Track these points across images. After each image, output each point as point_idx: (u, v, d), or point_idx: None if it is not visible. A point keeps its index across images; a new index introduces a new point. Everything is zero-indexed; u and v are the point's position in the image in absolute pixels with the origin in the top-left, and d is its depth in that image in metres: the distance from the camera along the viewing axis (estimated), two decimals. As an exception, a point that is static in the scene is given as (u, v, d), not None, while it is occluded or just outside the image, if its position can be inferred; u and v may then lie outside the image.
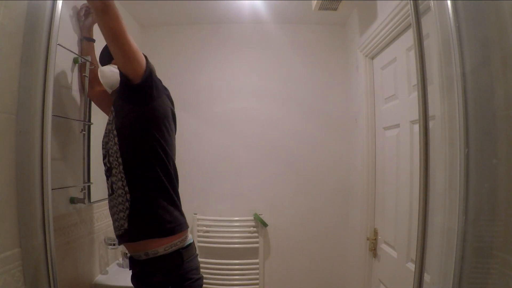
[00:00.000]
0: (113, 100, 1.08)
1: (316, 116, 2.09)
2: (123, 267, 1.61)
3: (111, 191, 1.00)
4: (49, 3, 0.87)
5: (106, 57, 1.18)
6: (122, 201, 0.96)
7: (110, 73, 1.11)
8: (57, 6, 0.87)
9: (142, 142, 0.97)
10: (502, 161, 0.73)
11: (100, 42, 1.42)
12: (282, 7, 1.88)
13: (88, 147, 1.40)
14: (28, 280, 0.85)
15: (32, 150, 0.84)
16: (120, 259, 1.66)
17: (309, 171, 2.08)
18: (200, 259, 2.04)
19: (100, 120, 1.52)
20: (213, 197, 2.09)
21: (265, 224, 2.03)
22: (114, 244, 1.55)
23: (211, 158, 2.10)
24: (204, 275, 2.05)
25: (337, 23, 2.08)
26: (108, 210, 1.61)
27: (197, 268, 1.03)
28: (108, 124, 1.04)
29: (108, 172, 1.01)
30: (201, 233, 2.05)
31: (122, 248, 1.70)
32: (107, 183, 1.03)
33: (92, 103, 1.43)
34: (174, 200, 1.02)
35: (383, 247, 1.56)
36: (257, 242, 2.02)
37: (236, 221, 2.05)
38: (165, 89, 1.11)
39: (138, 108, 0.96)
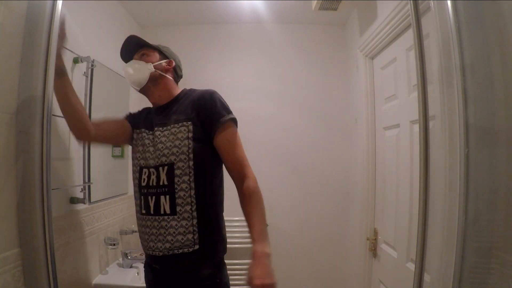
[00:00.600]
0: (151, 99, 1.14)
1: (316, 116, 2.09)
2: (123, 267, 1.61)
3: (170, 211, 0.99)
4: (49, 3, 0.87)
5: (129, 52, 1.12)
6: (186, 224, 0.99)
7: (135, 71, 1.08)
8: (57, 6, 0.87)
9: (218, 171, 1.08)
10: (502, 161, 0.73)
11: (94, 31, 1.42)
12: (282, 7, 1.88)
13: (88, 147, 1.40)
14: (28, 280, 0.85)
15: (32, 150, 0.84)
16: (120, 259, 1.66)
17: (309, 171, 2.08)
18: (200, 259, 2.03)
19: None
20: (213, 197, 2.08)
21: (265, 224, 2.03)
22: (114, 244, 1.55)
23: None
24: (204, 275, 2.04)
25: (337, 23, 2.08)
26: (107, 210, 1.62)
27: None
28: (171, 134, 1.02)
29: (164, 189, 0.99)
30: (201, 233, 2.04)
31: (122, 248, 1.70)
32: (157, 200, 1.00)
33: (92, 103, 1.43)
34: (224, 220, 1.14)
35: (383, 247, 1.56)
36: (257, 242, 2.02)
37: (236, 221, 2.05)
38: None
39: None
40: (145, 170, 1.04)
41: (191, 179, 0.99)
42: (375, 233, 1.67)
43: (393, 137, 1.47)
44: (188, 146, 1.00)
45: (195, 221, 0.99)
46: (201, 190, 1.00)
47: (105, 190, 1.60)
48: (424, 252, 0.78)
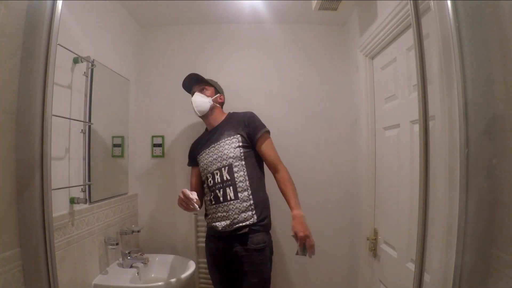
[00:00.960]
0: (206, 123, 1.67)
1: (316, 116, 2.09)
2: (123, 267, 1.61)
3: (234, 197, 1.44)
4: (49, 3, 0.87)
5: (190, 84, 1.67)
6: (246, 205, 1.44)
7: (201, 102, 1.58)
8: (57, 6, 0.87)
9: (258, 166, 1.55)
10: (502, 161, 0.73)
11: (94, 31, 1.41)
12: (282, 7, 1.88)
13: (88, 147, 1.40)
14: (28, 280, 0.85)
15: (32, 150, 0.84)
16: (120, 259, 1.66)
17: (308, 171, 2.08)
18: (200, 259, 2.05)
19: (100, 120, 1.52)
20: (213, 197, 2.08)
21: (265, 224, 2.03)
22: (114, 244, 1.55)
23: (211, 158, 2.09)
24: (204, 275, 2.05)
25: (337, 23, 2.08)
26: (107, 210, 1.62)
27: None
28: (229, 149, 1.49)
29: (228, 183, 1.45)
30: (201, 233, 2.04)
31: (122, 248, 1.70)
32: (223, 192, 1.46)
33: (92, 103, 1.43)
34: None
35: (383, 247, 1.56)
36: (257, 242, 2.02)
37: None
38: None
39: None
40: (209, 174, 1.51)
41: (245, 174, 1.46)
42: (375, 233, 1.67)
43: (393, 137, 1.47)
44: (240, 151, 1.48)
45: (251, 201, 1.45)
46: (253, 180, 1.47)
47: (105, 190, 1.60)
48: (424, 252, 0.78)
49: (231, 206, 1.43)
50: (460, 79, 0.79)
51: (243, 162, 1.47)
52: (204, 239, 2.03)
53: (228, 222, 1.42)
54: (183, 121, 2.08)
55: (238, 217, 1.41)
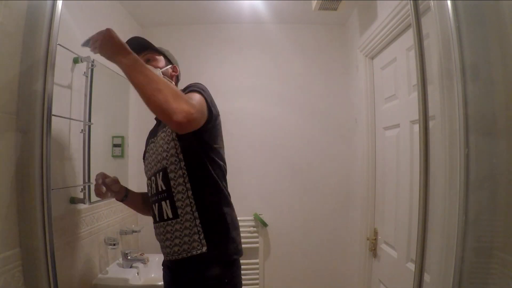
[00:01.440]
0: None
1: (316, 116, 2.09)
2: (123, 267, 1.61)
3: (172, 215, 0.98)
4: (49, 3, 0.87)
5: None
6: (190, 226, 0.97)
7: None
8: (57, 6, 0.87)
9: (212, 167, 0.99)
10: (502, 161, 0.73)
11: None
12: (282, 7, 1.88)
13: (88, 147, 1.40)
14: (28, 280, 0.85)
15: (32, 150, 0.84)
16: (120, 259, 1.66)
17: (309, 171, 2.08)
18: (200, 259, 2.03)
19: (100, 120, 1.52)
20: (213, 197, 2.08)
21: (265, 224, 2.03)
22: (114, 244, 1.55)
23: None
24: (204, 275, 2.04)
25: (337, 23, 2.08)
26: (107, 210, 1.62)
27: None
28: (160, 139, 1.01)
29: (164, 195, 1.00)
30: (201, 233, 2.05)
31: (122, 248, 1.70)
32: (159, 206, 1.01)
33: (92, 103, 1.43)
34: (237, 221, 1.07)
35: (383, 247, 1.56)
36: (257, 242, 2.02)
37: (238, 221, 2.05)
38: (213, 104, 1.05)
39: (206, 133, 0.97)
40: (148, 181, 1.08)
41: (185, 180, 0.97)
42: (375, 233, 1.67)
43: (393, 137, 1.47)
44: (175, 147, 0.98)
45: (197, 221, 0.97)
46: (198, 189, 0.98)
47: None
48: (424, 252, 0.78)
49: (168, 228, 1.00)
50: (460, 79, 0.79)
51: (182, 163, 0.97)
52: (204, 239, 2.03)
53: (167, 250, 1.01)
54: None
55: (179, 243, 0.98)
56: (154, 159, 1.04)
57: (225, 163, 1.06)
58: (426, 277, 0.83)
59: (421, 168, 0.79)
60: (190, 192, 0.97)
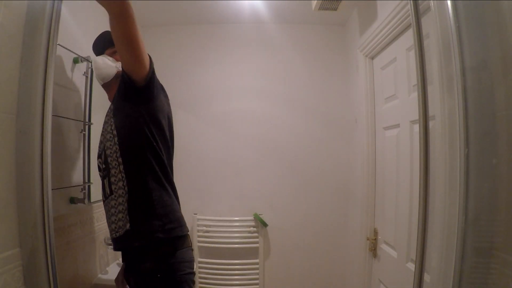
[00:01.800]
0: (109, 96, 1.11)
1: (316, 116, 2.09)
2: (123, 267, 1.60)
3: (109, 192, 0.99)
4: (49, 3, 0.87)
5: (100, 47, 1.16)
6: (122, 201, 0.95)
7: (103, 65, 1.10)
8: (57, 6, 0.87)
9: (142, 142, 0.97)
10: (502, 161, 0.73)
11: (94, 31, 1.39)
12: (282, 7, 1.88)
13: (88, 147, 1.40)
14: (28, 280, 0.85)
15: (32, 150, 0.84)
16: (120, 259, 1.66)
17: (309, 171, 2.08)
18: (200, 259, 2.04)
19: (100, 120, 1.52)
20: (213, 197, 2.09)
21: (265, 224, 2.03)
22: (114, 244, 1.55)
23: (211, 158, 2.10)
24: (204, 275, 2.05)
25: (337, 23, 2.08)
26: (108, 210, 1.62)
27: (190, 262, 1.02)
28: (105, 123, 1.03)
29: (105, 172, 1.01)
30: (201, 233, 2.05)
31: (122, 248, 1.70)
32: (103, 183, 1.02)
33: (92, 103, 1.43)
34: (174, 200, 1.03)
35: (383, 247, 1.56)
36: (257, 242, 2.02)
37: (236, 221, 2.05)
38: (162, 87, 1.11)
39: (140, 108, 0.97)
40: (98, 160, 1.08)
41: (117, 154, 0.96)
42: (375, 233, 1.67)
43: (393, 137, 1.47)
44: (110, 123, 1.00)
45: (127, 196, 0.95)
46: (130, 163, 0.96)
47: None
48: (424, 252, 0.78)
49: (108, 205, 1.00)
50: (460, 79, 0.79)
51: (116, 139, 0.97)
52: (204, 239, 2.04)
53: (109, 228, 1.01)
54: (183, 121, 2.08)
55: (115, 220, 0.97)
56: (101, 139, 1.05)
57: (167, 142, 1.04)
58: (426, 277, 0.82)
59: (421, 168, 0.79)
60: (121, 167, 0.96)
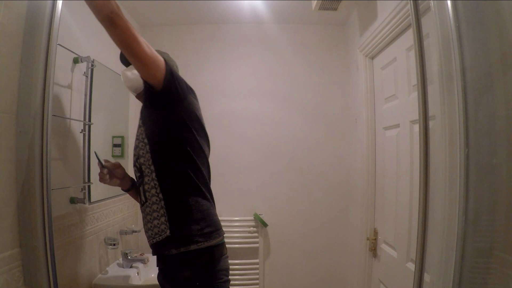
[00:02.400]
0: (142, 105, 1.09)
1: (316, 116, 2.09)
2: (123, 267, 1.61)
3: (145, 199, 0.99)
4: (49, 3, 0.87)
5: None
6: (157, 208, 0.96)
7: (133, 76, 1.12)
8: (57, 6, 0.87)
9: (173, 147, 0.97)
10: (502, 161, 0.73)
11: (94, 31, 1.40)
12: (282, 7, 1.88)
13: (88, 147, 1.40)
14: (28, 280, 0.85)
15: (32, 150, 0.84)
16: (120, 259, 1.66)
17: (309, 171, 2.08)
18: (200, 259, 2.03)
19: (100, 120, 1.52)
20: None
21: (265, 224, 2.03)
22: (114, 244, 1.55)
23: (211, 158, 2.09)
24: (204, 275, 2.04)
25: (337, 23, 2.08)
26: (107, 210, 1.62)
27: (227, 269, 1.03)
28: (139, 127, 1.03)
29: (140, 180, 1.01)
30: (201, 233, 2.04)
31: (122, 248, 1.70)
32: (139, 190, 1.03)
33: (93, 103, 1.43)
34: (210, 203, 1.04)
35: (383, 247, 1.56)
36: (257, 242, 2.02)
37: (236, 221, 2.05)
38: (191, 89, 1.08)
39: (165, 113, 0.95)
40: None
41: (149, 162, 0.97)
42: (375, 233, 1.67)
43: (393, 137, 1.47)
44: (141, 132, 1.00)
45: (163, 202, 0.96)
46: (162, 170, 0.97)
47: (105, 190, 1.60)
48: (424, 252, 0.78)
49: (144, 212, 1.01)
50: (460, 79, 0.79)
51: (148, 147, 0.98)
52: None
53: (146, 235, 1.02)
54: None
55: (151, 227, 0.98)
56: (135, 147, 1.05)
57: (201, 146, 1.03)
58: (426, 277, 0.83)
59: (421, 168, 0.79)
60: (154, 174, 0.97)
